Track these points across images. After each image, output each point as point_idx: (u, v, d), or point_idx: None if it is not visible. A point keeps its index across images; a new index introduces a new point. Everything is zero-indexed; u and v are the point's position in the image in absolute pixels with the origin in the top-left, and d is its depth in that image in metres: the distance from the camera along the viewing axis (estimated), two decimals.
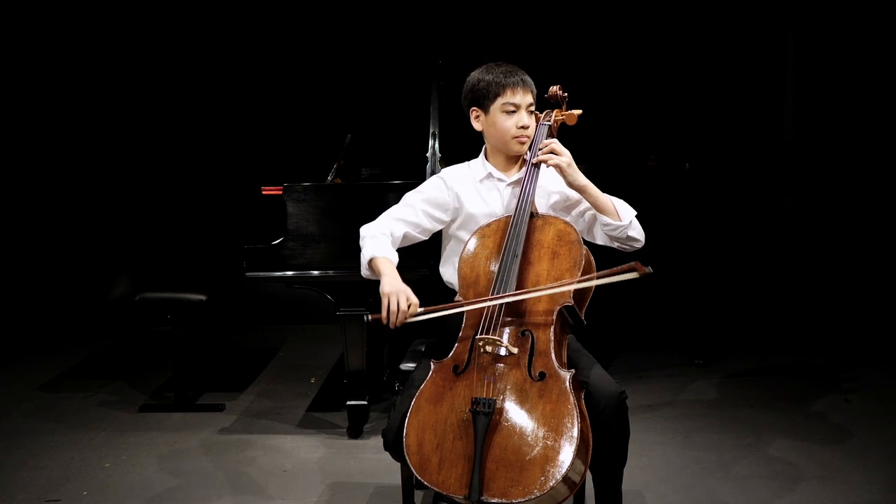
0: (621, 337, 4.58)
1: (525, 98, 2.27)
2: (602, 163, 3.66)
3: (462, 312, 2.12)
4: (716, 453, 3.11)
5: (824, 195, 5.03)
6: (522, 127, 2.27)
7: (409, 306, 2.04)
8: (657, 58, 5.01)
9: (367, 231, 2.29)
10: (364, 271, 2.24)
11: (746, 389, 3.82)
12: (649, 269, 1.94)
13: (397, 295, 2.05)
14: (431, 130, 3.51)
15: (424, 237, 2.40)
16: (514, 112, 2.27)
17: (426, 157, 3.48)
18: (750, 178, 4.18)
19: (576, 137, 2.66)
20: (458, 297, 2.19)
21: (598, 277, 2.04)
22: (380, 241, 2.24)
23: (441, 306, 2.08)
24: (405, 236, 2.34)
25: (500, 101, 2.27)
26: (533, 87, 2.30)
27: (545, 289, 2.05)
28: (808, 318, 4.81)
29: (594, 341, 2.32)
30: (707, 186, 3.91)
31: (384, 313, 2.05)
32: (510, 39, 4.93)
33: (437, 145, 3.48)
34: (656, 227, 2.48)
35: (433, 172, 3.39)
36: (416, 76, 4.00)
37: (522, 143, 2.30)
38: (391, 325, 2.05)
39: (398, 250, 2.29)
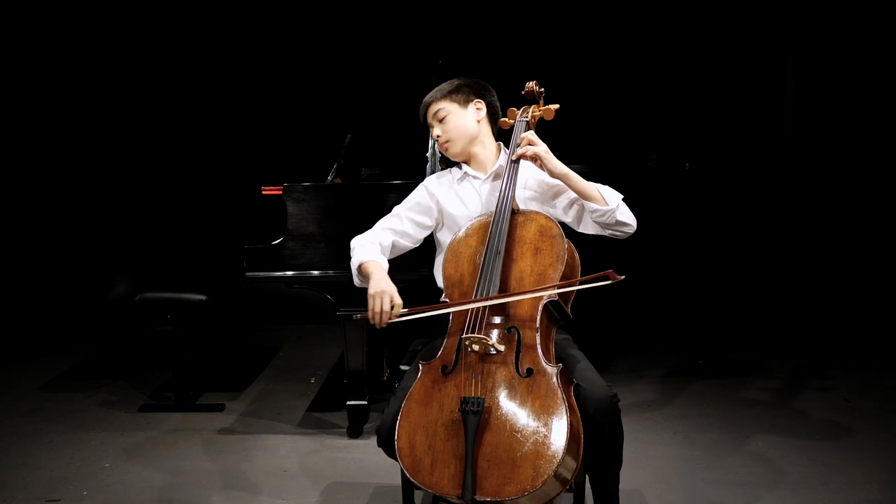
0: (621, 337, 4.58)
1: (430, 112, 2.45)
2: (602, 163, 3.66)
3: (448, 313, 2.13)
4: (716, 453, 3.11)
5: (823, 195, 5.03)
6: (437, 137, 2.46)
7: (392, 307, 2.09)
8: (658, 58, 5.01)
9: (356, 242, 2.36)
10: (356, 280, 2.30)
11: (746, 389, 3.81)
12: (622, 277, 1.97)
13: (381, 296, 2.10)
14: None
15: (414, 245, 2.47)
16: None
17: (426, 157, 3.48)
18: (750, 179, 4.19)
19: (576, 137, 2.66)
20: (443, 298, 2.19)
21: (577, 283, 2.06)
22: (368, 248, 2.31)
23: (426, 307, 2.10)
24: (394, 245, 2.41)
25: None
26: (435, 95, 2.45)
27: (528, 293, 2.05)
28: (807, 318, 4.80)
29: (594, 341, 2.32)
30: (707, 186, 3.91)
31: (370, 314, 2.10)
32: (510, 39, 4.93)
33: (437, 145, 3.47)
34: (656, 226, 2.49)
35: (433, 172, 3.39)
36: (416, 76, 4.00)
37: (445, 150, 2.47)
38: (377, 325, 2.10)
39: (391, 261, 2.33)
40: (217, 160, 5.20)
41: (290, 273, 3.23)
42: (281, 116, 5.16)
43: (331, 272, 3.22)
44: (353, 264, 2.28)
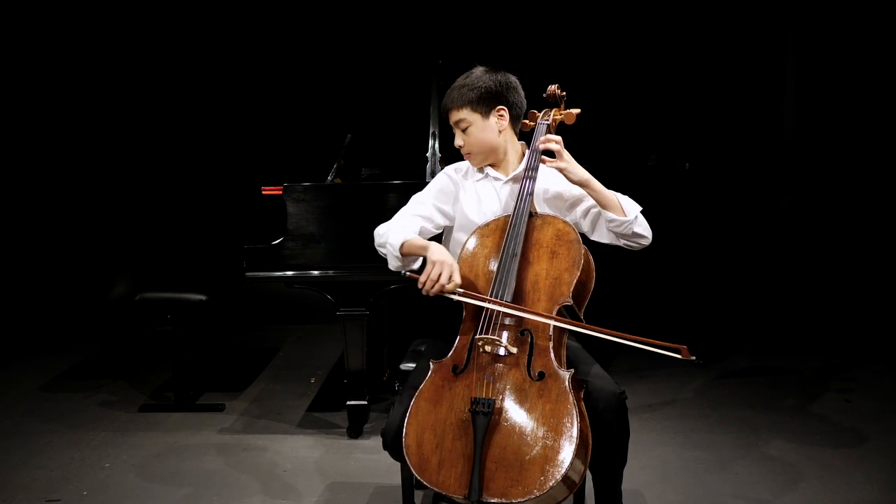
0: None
1: (451, 118, 2.33)
2: (602, 163, 3.65)
3: (461, 313, 2.12)
4: (716, 453, 3.11)
5: (823, 195, 5.03)
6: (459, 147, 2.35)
7: (450, 281, 2.00)
8: (658, 58, 5.02)
9: (384, 228, 2.26)
10: (395, 263, 2.20)
11: (746, 389, 3.82)
12: (693, 357, 1.95)
13: (444, 266, 2.01)
14: (431, 130, 3.52)
15: (436, 231, 2.39)
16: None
17: (426, 157, 3.49)
18: (749, 179, 4.20)
19: (576, 137, 2.65)
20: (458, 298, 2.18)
21: (640, 342, 2.00)
22: (405, 229, 2.21)
23: (476, 295, 2.04)
24: (421, 230, 2.30)
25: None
26: (457, 100, 2.31)
27: (556, 319, 2.01)
28: (807, 318, 4.81)
29: (594, 341, 2.32)
30: (707, 186, 3.92)
31: (424, 277, 2.01)
32: (510, 39, 4.93)
33: (437, 145, 3.48)
34: (656, 226, 2.48)
35: (433, 173, 3.40)
36: (416, 76, 4.00)
37: (468, 159, 2.38)
38: (424, 292, 2.01)
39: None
40: (217, 160, 5.20)
41: (290, 273, 3.23)
42: (281, 116, 5.16)
43: (331, 272, 3.22)
44: (393, 245, 2.17)
